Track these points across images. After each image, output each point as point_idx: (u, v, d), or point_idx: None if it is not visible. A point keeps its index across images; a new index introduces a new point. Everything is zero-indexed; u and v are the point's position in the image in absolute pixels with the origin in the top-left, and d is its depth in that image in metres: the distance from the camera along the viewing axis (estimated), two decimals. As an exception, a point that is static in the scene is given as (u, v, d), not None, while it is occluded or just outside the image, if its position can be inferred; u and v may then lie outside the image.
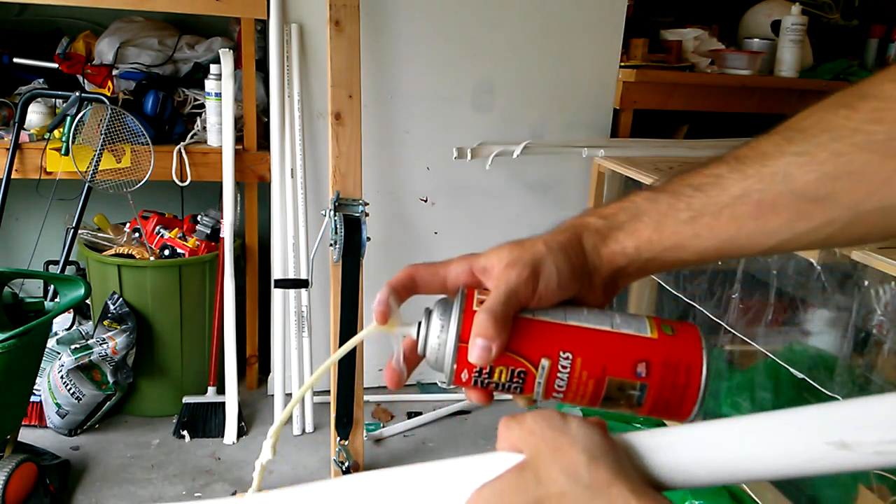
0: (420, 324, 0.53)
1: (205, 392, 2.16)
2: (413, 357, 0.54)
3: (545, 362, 0.49)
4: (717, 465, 0.46)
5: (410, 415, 2.27)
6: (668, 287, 2.09)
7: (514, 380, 0.50)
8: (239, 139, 2.14)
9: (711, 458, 0.46)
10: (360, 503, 0.50)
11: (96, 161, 1.99)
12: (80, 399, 1.97)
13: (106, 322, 2.04)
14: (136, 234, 2.14)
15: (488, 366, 0.49)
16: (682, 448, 0.46)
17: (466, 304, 0.50)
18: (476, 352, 0.48)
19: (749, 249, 0.52)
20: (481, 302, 0.50)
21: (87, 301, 2.13)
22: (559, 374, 0.49)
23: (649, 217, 0.52)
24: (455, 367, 0.50)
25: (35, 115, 2.08)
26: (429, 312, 0.52)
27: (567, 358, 0.49)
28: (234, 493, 1.84)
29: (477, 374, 0.50)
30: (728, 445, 0.46)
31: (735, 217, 0.50)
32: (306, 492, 0.51)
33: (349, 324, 1.83)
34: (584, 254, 0.53)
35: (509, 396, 0.52)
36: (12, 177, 2.01)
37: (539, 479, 0.45)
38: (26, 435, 1.89)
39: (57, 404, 1.99)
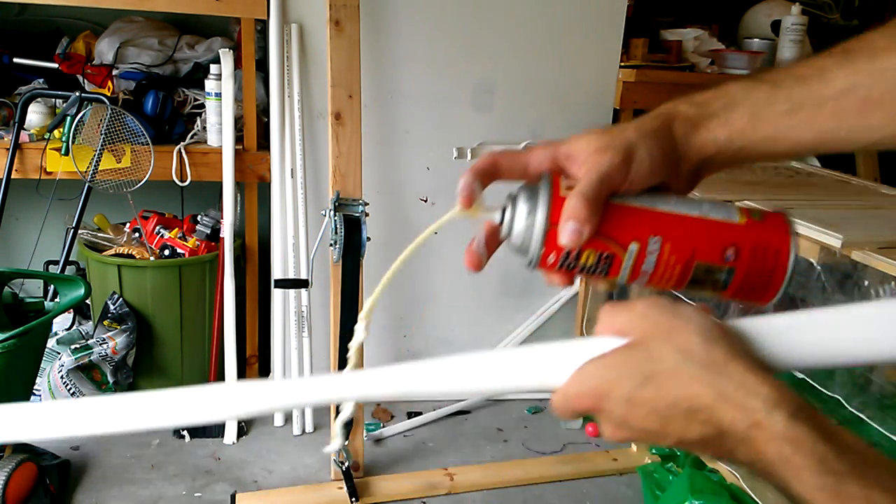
0: (504, 209, 0.53)
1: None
2: (493, 242, 0.55)
3: (634, 246, 0.50)
4: (831, 349, 0.47)
5: (410, 415, 2.27)
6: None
7: (601, 263, 0.51)
8: (239, 139, 2.14)
9: (825, 340, 0.47)
10: (462, 382, 0.51)
11: (96, 161, 1.99)
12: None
13: (106, 322, 2.04)
14: (136, 234, 2.14)
15: (576, 249, 0.50)
16: (795, 332, 0.47)
17: (554, 189, 0.50)
18: (567, 234, 0.49)
19: (847, 144, 0.51)
20: (569, 187, 0.50)
21: (87, 301, 2.13)
22: (647, 258, 0.50)
23: (745, 107, 0.52)
24: (543, 250, 0.51)
25: (35, 115, 2.08)
26: (513, 197, 0.53)
27: (656, 242, 0.50)
28: (234, 494, 1.84)
29: (564, 258, 0.51)
30: (841, 329, 0.47)
31: (838, 111, 0.49)
32: (406, 371, 0.53)
33: (349, 324, 1.83)
34: (674, 141, 0.52)
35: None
36: (12, 177, 2.01)
37: (650, 356, 0.45)
38: (26, 435, 1.89)
39: (57, 404, 1.98)
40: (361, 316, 0.57)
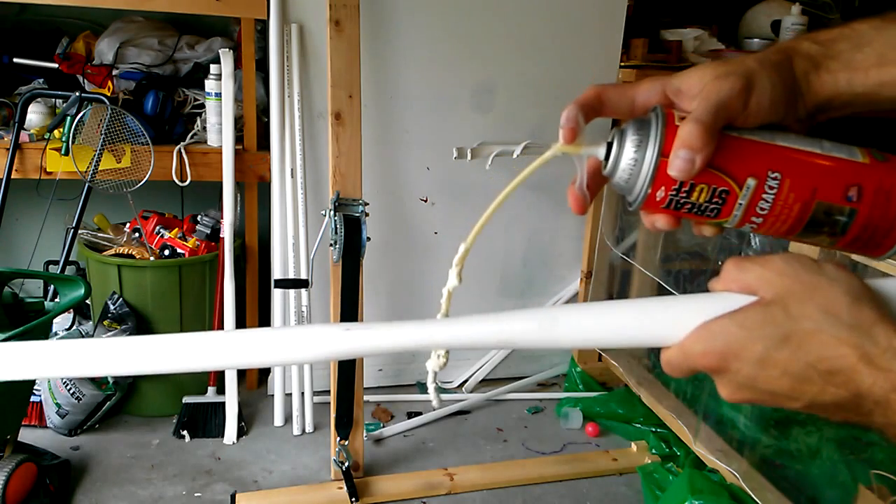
0: (610, 143, 0.49)
1: (205, 392, 2.16)
2: (597, 181, 0.52)
3: (751, 181, 0.46)
4: None
5: (410, 415, 2.27)
6: (667, 287, 2.09)
7: (714, 200, 0.47)
8: (239, 139, 2.14)
9: None
10: (577, 331, 0.49)
11: (96, 161, 1.99)
12: (80, 399, 1.98)
13: (106, 322, 2.04)
14: (136, 234, 2.14)
15: (689, 183, 0.46)
16: None
17: (668, 119, 0.47)
18: (679, 163, 0.45)
19: None
20: (682, 118, 0.46)
21: (87, 301, 2.13)
22: (764, 196, 0.47)
23: (872, 48, 0.48)
24: (652, 184, 0.47)
25: (35, 115, 2.08)
26: (621, 131, 0.49)
27: (776, 178, 0.46)
28: (234, 494, 1.84)
29: (674, 193, 0.47)
30: None
31: None
32: (524, 316, 0.51)
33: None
34: (794, 77, 0.49)
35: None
36: (12, 177, 2.01)
37: (790, 315, 0.42)
38: (26, 435, 1.89)
39: (57, 404, 1.99)
40: (455, 262, 0.56)
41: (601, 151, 0.50)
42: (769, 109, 0.47)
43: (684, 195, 0.47)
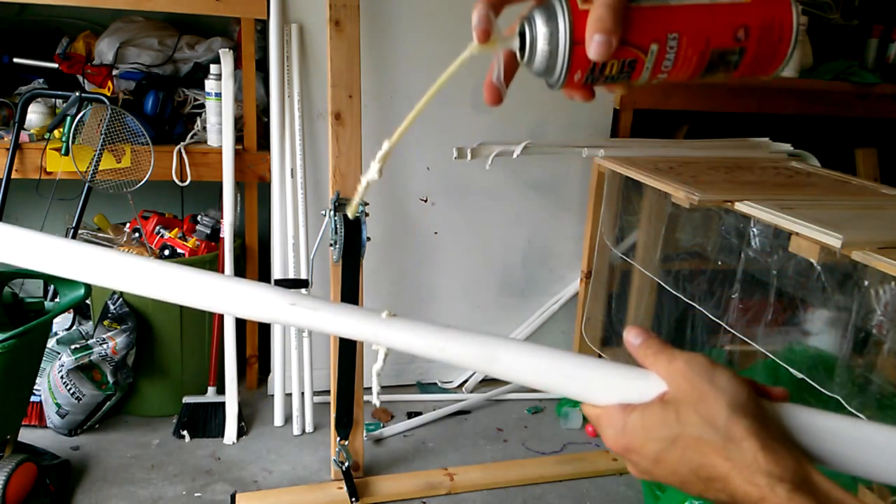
0: (522, 33, 0.53)
1: (205, 392, 2.16)
2: (511, 70, 0.55)
3: (654, 46, 0.51)
4: (863, 465, 0.50)
5: (410, 415, 2.27)
6: (667, 287, 2.09)
7: (624, 70, 0.51)
8: (239, 139, 2.14)
9: (861, 457, 0.49)
10: (513, 370, 0.54)
11: (96, 161, 1.99)
12: (80, 399, 1.98)
13: (106, 322, 2.04)
14: (136, 234, 2.14)
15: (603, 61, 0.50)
16: (835, 439, 0.49)
17: (571, 4, 0.50)
18: (595, 47, 0.48)
19: None
20: (585, 1, 0.50)
21: (87, 301, 2.13)
22: (667, 56, 0.51)
23: None
24: (569, 69, 0.51)
25: (35, 115, 2.08)
26: (530, 20, 0.53)
27: (675, 38, 0.51)
28: (234, 494, 1.84)
29: (590, 72, 0.51)
30: (883, 452, 0.49)
31: None
32: (470, 341, 0.56)
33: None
34: None
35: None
36: (12, 177, 2.01)
37: (679, 419, 0.47)
38: (26, 435, 1.89)
39: (57, 404, 1.99)
40: (378, 158, 0.59)
41: (515, 44, 0.54)
42: None
43: (598, 72, 0.51)
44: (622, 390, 0.51)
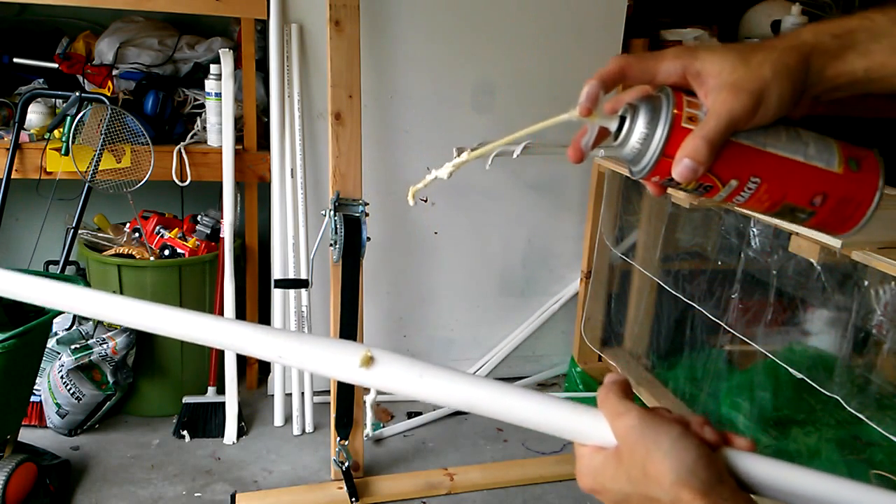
0: (623, 120, 0.54)
1: (205, 392, 2.16)
2: (600, 141, 0.55)
3: (734, 182, 0.52)
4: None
5: (410, 415, 2.27)
6: (667, 287, 2.09)
7: (699, 189, 0.53)
8: (239, 139, 2.15)
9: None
10: (487, 405, 0.55)
11: (96, 161, 1.99)
12: (80, 399, 1.98)
13: (106, 322, 2.04)
14: (136, 234, 2.14)
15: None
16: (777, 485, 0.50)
17: (676, 117, 0.50)
18: (682, 171, 0.49)
19: None
20: (691, 118, 0.50)
21: (87, 301, 2.13)
22: (742, 193, 0.52)
23: (889, 39, 0.51)
24: (651, 173, 0.52)
25: (35, 115, 2.08)
26: (633, 109, 0.53)
27: (755, 182, 0.52)
28: (234, 494, 1.84)
29: (668, 180, 0.52)
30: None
31: None
32: (343, 349, 0.56)
33: (349, 324, 1.83)
34: (807, 77, 0.51)
35: None
36: (12, 177, 2.01)
37: (629, 476, 0.49)
38: (26, 435, 1.89)
39: (57, 404, 1.99)
40: (454, 164, 0.62)
41: (613, 126, 0.54)
42: (773, 118, 0.51)
43: (676, 182, 0.52)
44: (593, 431, 0.53)
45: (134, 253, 2.08)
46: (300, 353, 0.56)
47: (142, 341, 2.07)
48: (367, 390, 1.96)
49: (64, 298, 0.60)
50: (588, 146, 0.55)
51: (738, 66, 0.50)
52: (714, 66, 0.50)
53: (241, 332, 0.57)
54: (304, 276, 2.11)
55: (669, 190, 0.55)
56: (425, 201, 2.29)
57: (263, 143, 2.17)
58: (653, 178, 0.53)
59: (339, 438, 1.87)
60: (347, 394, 1.86)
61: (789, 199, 0.52)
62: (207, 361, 2.18)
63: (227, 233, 2.09)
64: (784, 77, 0.50)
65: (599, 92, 0.52)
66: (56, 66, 2.16)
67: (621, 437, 0.50)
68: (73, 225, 2.02)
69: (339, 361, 0.55)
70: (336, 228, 1.77)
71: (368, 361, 0.55)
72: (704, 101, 0.51)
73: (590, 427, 0.53)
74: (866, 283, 1.41)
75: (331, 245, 1.81)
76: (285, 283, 2.09)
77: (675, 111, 0.51)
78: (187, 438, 2.07)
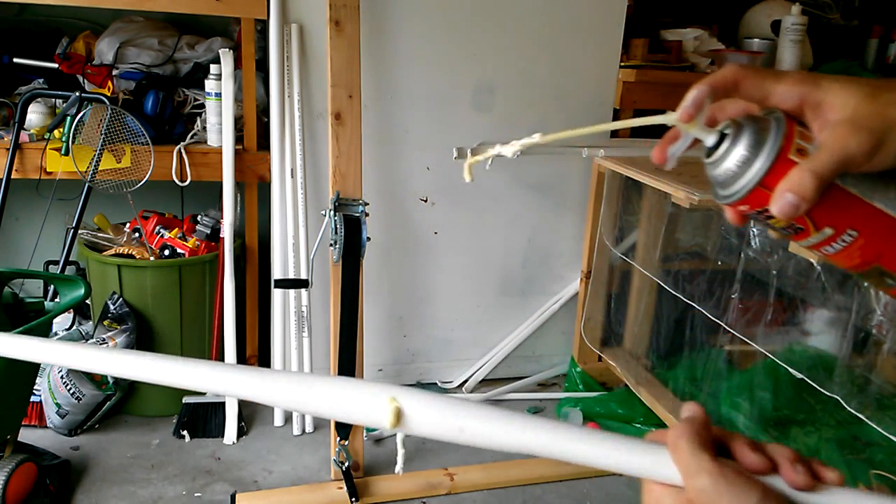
0: (723, 136, 0.48)
1: (205, 392, 2.16)
2: (689, 148, 0.51)
3: (828, 231, 0.47)
4: None
5: (410, 415, 2.27)
6: (667, 287, 2.09)
7: (788, 229, 0.48)
8: (239, 139, 2.15)
9: None
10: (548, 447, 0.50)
11: (96, 161, 1.99)
12: (80, 399, 1.98)
13: (106, 322, 2.04)
14: (136, 234, 2.14)
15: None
16: None
17: (784, 147, 0.45)
18: (783, 205, 0.44)
19: None
20: (800, 151, 0.45)
21: (87, 301, 2.13)
22: (833, 244, 0.48)
23: None
24: (743, 200, 0.47)
25: (35, 115, 2.08)
26: (737, 128, 0.48)
27: (851, 235, 0.47)
28: (234, 494, 1.84)
29: (758, 212, 0.48)
30: None
31: None
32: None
33: (349, 324, 1.83)
34: None
35: None
36: (12, 177, 2.01)
37: None
38: (26, 435, 1.89)
39: (57, 404, 1.99)
40: (523, 142, 0.55)
41: (710, 141, 0.49)
42: (891, 165, 0.46)
43: (765, 216, 0.48)
44: (665, 470, 0.48)
45: (134, 253, 2.08)
46: (323, 402, 0.52)
47: (142, 341, 2.07)
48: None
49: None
50: (676, 155, 0.50)
51: (863, 102, 0.45)
52: (837, 98, 0.46)
53: (260, 383, 0.54)
54: (304, 276, 2.11)
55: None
56: (425, 201, 2.29)
57: (263, 143, 2.17)
58: (741, 207, 0.48)
59: (339, 438, 1.87)
60: (347, 394, 1.86)
61: (883, 263, 0.48)
62: (207, 361, 2.17)
63: (227, 233, 2.09)
64: None
65: (706, 100, 0.48)
66: (56, 66, 2.16)
67: (694, 497, 0.46)
68: (73, 225, 2.02)
69: (368, 416, 0.51)
70: (336, 228, 1.77)
71: (398, 418, 0.51)
72: (818, 136, 0.46)
73: (660, 466, 0.48)
74: (866, 283, 1.41)
75: (331, 245, 1.81)
76: (285, 283, 2.09)
77: (784, 140, 0.45)
78: (187, 438, 2.07)
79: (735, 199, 0.47)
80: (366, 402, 0.51)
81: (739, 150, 0.47)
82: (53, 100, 2.12)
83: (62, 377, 1.96)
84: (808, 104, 0.47)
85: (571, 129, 0.52)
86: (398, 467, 1.67)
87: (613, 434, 0.50)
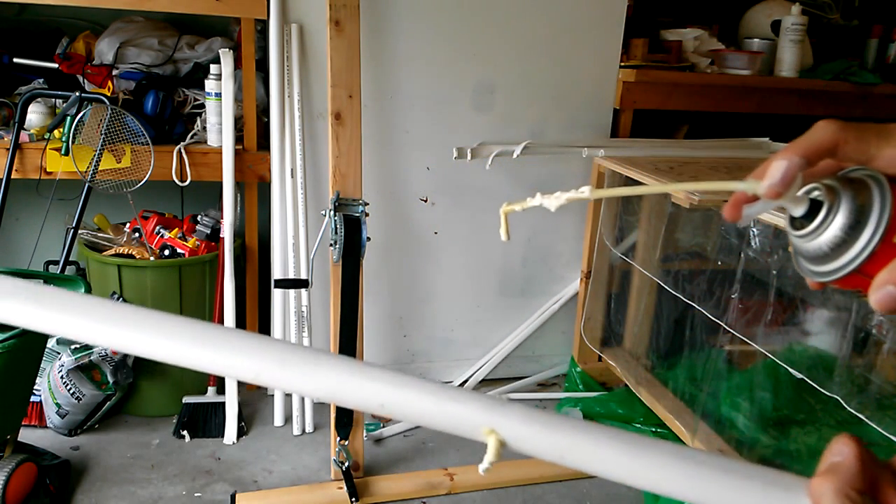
0: (814, 207, 0.42)
1: (205, 392, 2.16)
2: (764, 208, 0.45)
3: None
4: None
5: (410, 415, 2.27)
6: (667, 287, 2.09)
7: (853, 292, 0.43)
8: (239, 139, 2.15)
9: None
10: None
11: (96, 161, 1.99)
12: (80, 399, 1.98)
13: (106, 322, 2.04)
14: (136, 234, 2.14)
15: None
16: None
17: (889, 230, 0.39)
18: (882, 299, 0.39)
19: None
20: None
21: (87, 301, 2.13)
22: None
23: None
24: (832, 282, 0.42)
25: (35, 115, 2.08)
26: (831, 198, 0.42)
27: None
28: (234, 494, 1.84)
29: (844, 290, 0.43)
30: None
31: None
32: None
33: (349, 324, 1.83)
34: None
35: None
36: (12, 177, 2.01)
37: None
38: (26, 435, 1.89)
39: (57, 404, 1.99)
40: (588, 192, 0.48)
41: (797, 211, 0.43)
42: None
43: (855, 293, 0.43)
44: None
45: (134, 253, 2.08)
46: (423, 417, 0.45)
47: (142, 341, 2.07)
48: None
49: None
50: (753, 216, 0.45)
51: None
52: None
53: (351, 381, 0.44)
54: (304, 276, 2.11)
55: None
56: (425, 201, 2.29)
57: (263, 143, 2.17)
58: (826, 283, 0.43)
59: (339, 438, 1.87)
60: (347, 394, 1.86)
61: None
62: (207, 361, 2.17)
63: (227, 233, 2.09)
64: None
65: (798, 173, 0.41)
66: (56, 66, 2.16)
67: None
68: (73, 225, 2.02)
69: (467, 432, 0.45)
70: (336, 228, 1.77)
71: (499, 450, 0.44)
72: None
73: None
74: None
75: (331, 245, 1.81)
76: (285, 283, 2.09)
77: (891, 221, 0.39)
78: (187, 438, 2.07)
79: (826, 281, 0.43)
80: (463, 431, 0.45)
81: (835, 231, 0.41)
82: (53, 100, 2.12)
83: (62, 377, 1.96)
84: None
85: (627, 187, 0.48)
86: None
87: (750, 465, 0.43)
